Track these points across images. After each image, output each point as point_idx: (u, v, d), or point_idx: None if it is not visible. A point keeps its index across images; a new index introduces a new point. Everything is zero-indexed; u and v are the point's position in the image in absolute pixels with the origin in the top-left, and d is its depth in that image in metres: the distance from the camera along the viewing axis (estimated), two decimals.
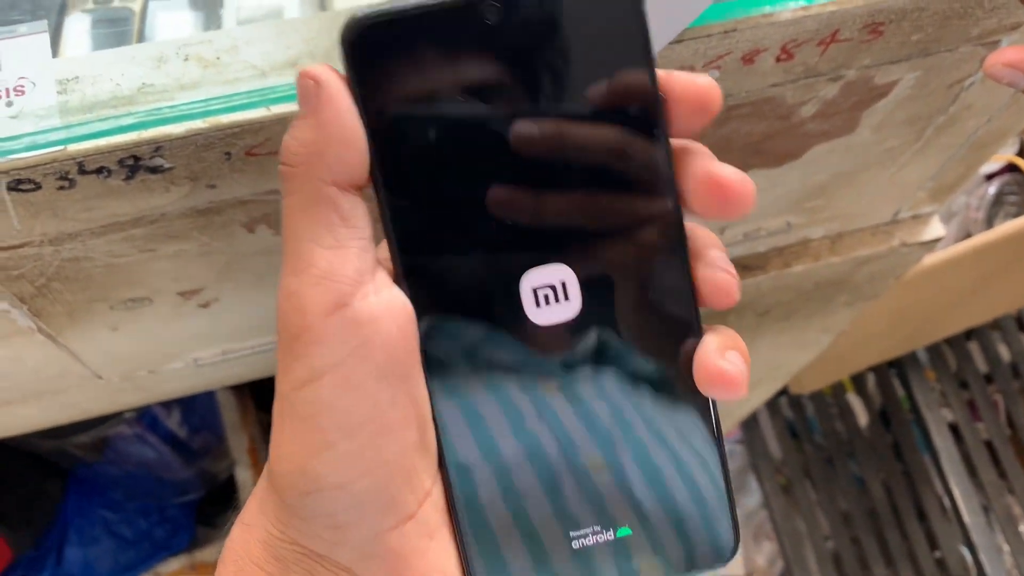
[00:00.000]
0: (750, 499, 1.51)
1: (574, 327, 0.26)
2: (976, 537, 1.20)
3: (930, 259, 0.94)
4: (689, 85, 0.24)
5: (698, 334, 0.26)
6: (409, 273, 0.25)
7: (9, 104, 0.32)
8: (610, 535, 0.26)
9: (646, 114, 0.24)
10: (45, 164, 0.31)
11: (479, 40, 0.23)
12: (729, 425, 1.19)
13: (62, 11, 0.38)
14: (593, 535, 0.26)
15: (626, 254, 0.25)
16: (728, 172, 0.25)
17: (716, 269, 0.25)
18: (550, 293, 0.25)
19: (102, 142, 0.31)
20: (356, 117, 0.23)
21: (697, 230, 0.26)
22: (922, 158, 0.54)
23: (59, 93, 0.32)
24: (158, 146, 0.32)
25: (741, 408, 1.06)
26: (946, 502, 1.27)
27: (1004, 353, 1.31)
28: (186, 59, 0.33)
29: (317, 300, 0.23)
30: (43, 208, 0.34)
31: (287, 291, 0.24)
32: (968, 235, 0.99)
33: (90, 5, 0.38)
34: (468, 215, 0.25)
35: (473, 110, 0.24)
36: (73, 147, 0.31)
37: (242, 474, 1.09)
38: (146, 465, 1.06)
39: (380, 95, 0.23)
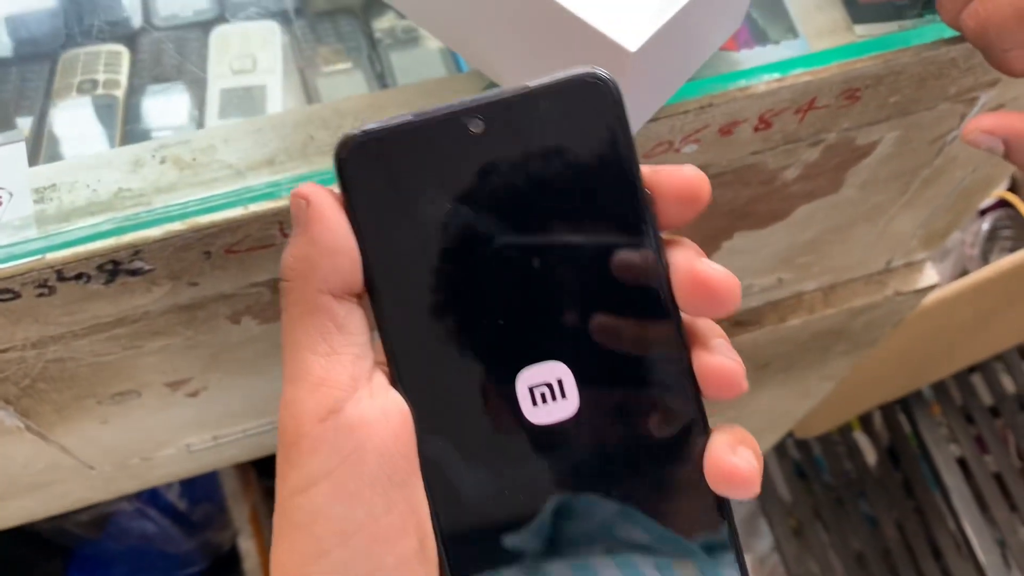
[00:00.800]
0: (761, 543, 1.49)
1: (572, 425, 0.25)
2: (991, 574, 1.18)
3: (928, 299, 0.94)
4: (675, 179, 0.24)
5: (705, 431, 0.25)
6: (402, 374, 0.25)
7: None
8: None
9: (634, 212, 0.24)
10: (23, 274, 0.31)
11: (465, 150, 0.24)
12: None
13: (47, 100, 0.38)
14: None
15: (622, 350, 0.25)
16: (712, 270, 0.24)
17: (720, 356, 0.25)
18: (546, 391, 0.25)
19: (80, 249, 0.31)
20: (347, 228, 0.24)
21: (699, 321, 0.26)
22: (910, 210, 0.54)
23: (36, 202, 0.32)
24: (137, 250, 0.32)
25: None
26: (959, 539, 1.25)
27: (1008, 385, 1.30)
28: (162, 161, 0.33)
29: (311, 407, 0.23)
30: (24, 315, 0.33)
31: (284, 400, 0.24)
32: (964, 272, 0.98)
33: (74, 94, 0.38)
34: (460, 319, 0.24)
35: (462, 218, 0.24)
36: (51, 256, 0.31)
37: (245, 543, 1.08)
38: (148, 540, 1.04)
39: (371, 207, 0.24)
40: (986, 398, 1.31)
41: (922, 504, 1.32)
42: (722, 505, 0.25)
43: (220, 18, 0.38)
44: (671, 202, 0.25)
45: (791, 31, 0.36)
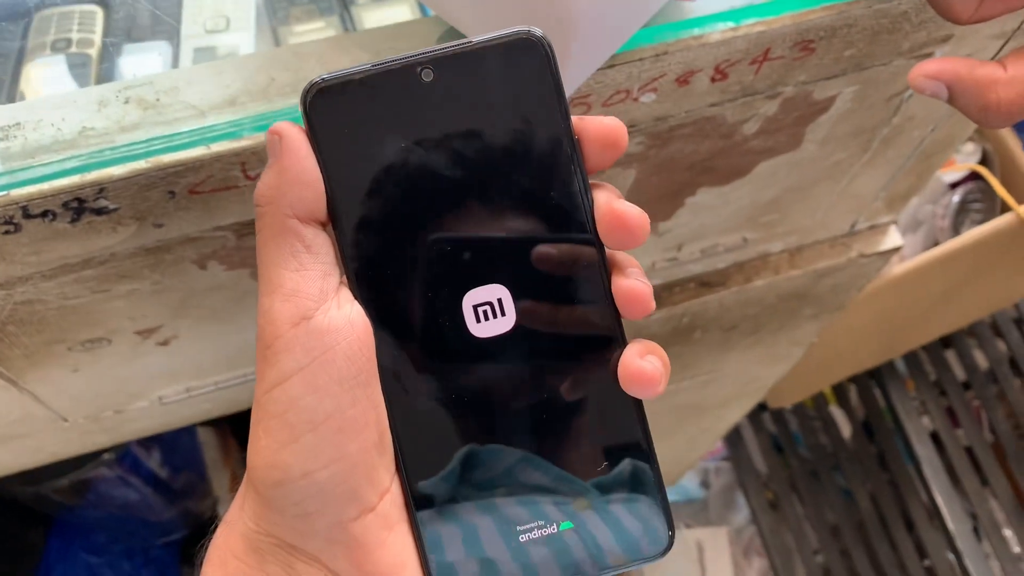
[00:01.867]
0: (738, 516, 1.51)
1: (510, 339, 0.28)
2: (961, 544, 1.20)
3: (899, 268, 0.95)
4: (599, 126, 0.28)
5: (622, 343, 0.29)
6: (363, 294, 0.28)
7: None
8: (553, 529, 0.29)
9: (565, 154, 0.28)
10: None
11: (417, 96, 0.27)
12: (712, 442, 1.20)
13: (20, 58, 0.39)
14: (538, 529, 0.29)
15: (554, 274, 0.28)
16: (628, 207, 0.28)
17: (633, 279, 0.28)
18: (488, 309, 0.28)
19: (45, 186, 0.32)
20: (313, 162, 0.27)
21: (618, 254, 0.29)
22: (871, 170, 0.55)
23: (1, 140, 0.32)
24: (101, 187, 0.33)
25: (720, 423, 1.07)
26: (932, 510, 1.28)
27: (981, 360, 1.32)
28: (126, 101, 0.34)
29: (285, 314, 0.26)
30: None
31: (261, 309, 0.27)
32: (936, 243, 1.00)
33: (48, 52, 0.39)
34: (412, 245, 0.28)
35: (413, 156, 0.27)
36: (16, 192, 0.32)
37: (225, 511, 1.08)
38: (128, 507, 1.05)
39: (334, 144, 0.27)
40: (959, 373, 1.33)
41: (896, 477, 1.35)
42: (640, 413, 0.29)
43: None
44: (595, 147, 0.28)
45: None
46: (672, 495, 1.54)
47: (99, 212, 0.34)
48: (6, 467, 0.56)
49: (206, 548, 0.30)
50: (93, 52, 0.39)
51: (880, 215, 0.63)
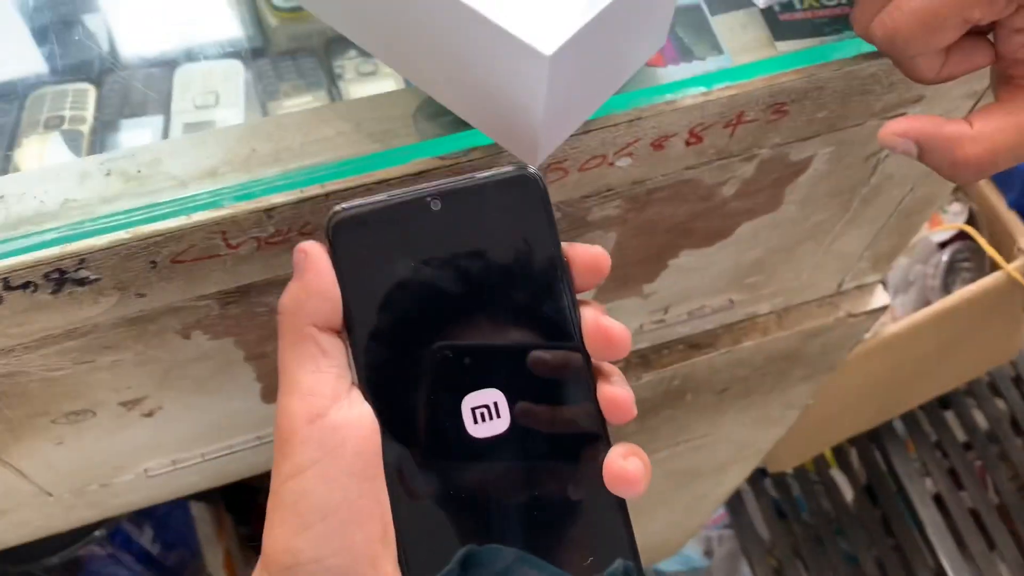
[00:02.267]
0: None
1: (505, 440, 0.31)
2: None
3: (891, 328, 0.96)
4: (585, 253, 0.31)
5: (607, 445, 0.31)
6: (372, 396, 0.30)
7: None
8: None
9: (555, 277, 0.31)
10: None
11: (426, 224, 0.30)
12: (712, 508, 1.18)
13: (14, 136, 0.39)
14: None
15: (545, 381, 0.31)
16: (611, 324, 0.31)
17: (615, 387, 0.31)
18: (485, 412, 0.31)
19: (27, 257, 0.32)
20: (333, 279, 0.30)
21: (603, 364, 0.32)
22: (854, 229, 0.55)
23: None
24: (82, 258, 0.33)
25: (719, 489, 1.06)
26: (939, 575, 1.25)
27: (980, 420, 1.31)
28: (108, 174, 0.34)
29: (302, 411, 0.29)
30: None
31: (280, 406, 0.30)
32: (927, 303, 1.00)
33: (41, 129, 0.40)
34: (417, 353, 0.31)
35: (421, 275, 0.30)
36: None
37: None
38: None
39: (352, 263, 0.30)
40: (959, 433, 1.32)
41: (901, 541, 1.33)
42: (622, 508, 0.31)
43: (185, 57, 0.40)
44: (581, 270, 0.31)
45: (716, 48, 0.38)
46: (675, 564, 1.51)
47: (81, 283, 0.34)
48: None
49: None
50: (85, 128, 0.40)
51: (866, 275, 0.64)
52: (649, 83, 0.37)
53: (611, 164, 0.39)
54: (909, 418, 1.30)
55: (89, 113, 0.40)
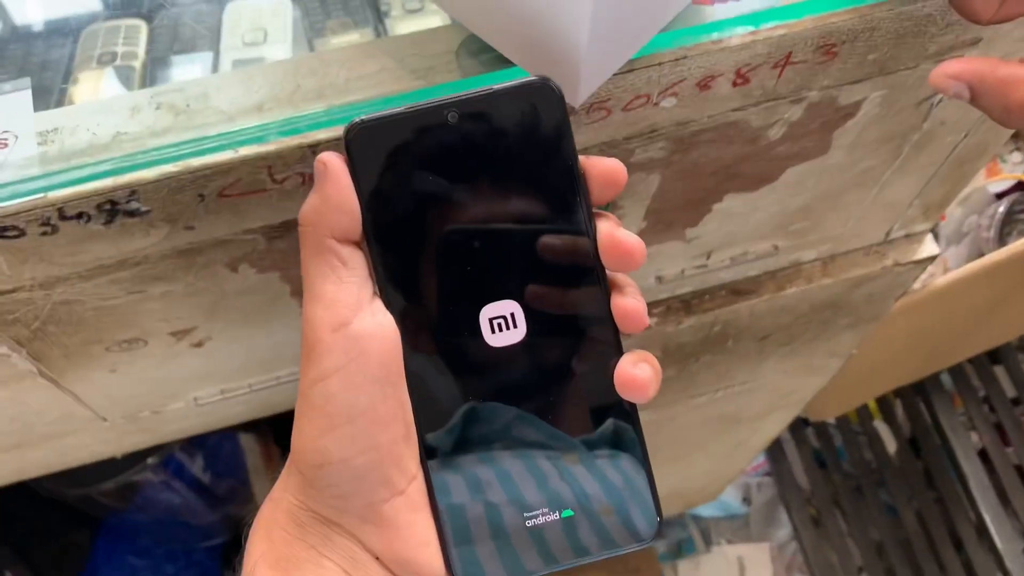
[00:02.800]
0: (781, 532, 1.49)
1: (521, 349, 0.32)
2: (1010, 563, 1.17)
3: (943, 280, 0.94)
4: (601, 165, 0.31)
5: (618, 352, 0.32)
6: (391, 305, 0.31)
7: None
8: (556, 516, 0.33)
9: (572, 187, 0.31)
10: (27, 211, 0.33)
11: (443, 135, 0.30)
12: (751, 456, 1.18)
13: (68, 71, 0.40)
14: (543, 516, 0.33)
15: (561, 291, 0.32)
16: (626, 235, 0.31)
17: (630, 298, 0.32)
18: (502, 322, 0.32)
19: (80, 188, 0.33)
20: (352, 191, 0.30)
21: (618, 275, 0.32)
22: (903, 177, 0.54)
23: (39, 144, 0.34)
24: (133, 190, 0.34)
25: (758, 436, 1.06)
26: (980, 529, 1.25)
27: None
28: (158, 107, 0.35)
29: (327, 320, 0.30)
30: (30, 254, 0.35)
31: (305, 316, 0.31)
32: (981, 254, 0.98)
33: (94, 65, 0.40)
34: (435, 263, 0.31)
35: (439, 186, 0.31)
36: (53, 194, 0.33)
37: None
38: (172, 511, 1.07)
39: (370, 175, 0.30)
40: (1008, 388, 1.30)
41: (943, 494, 1.32)
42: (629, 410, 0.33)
43: None
44: (598, 183, 0.31)
45: None
46: (713, 510, 1.52)
47: (132, 214, 0.35)
48: (49, 465, 0.58)
49: (250, 524, 0.33)
50: (137, 64, 0.40)
51: (916, 223, 0.62)
52: (695, 21, 0.37)
53: (656, 104, 0.39)
54: (957, 371, 1.28)
55: (141, 49, 0.41)
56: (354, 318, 0.30)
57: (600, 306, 0.32)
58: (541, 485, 0.33)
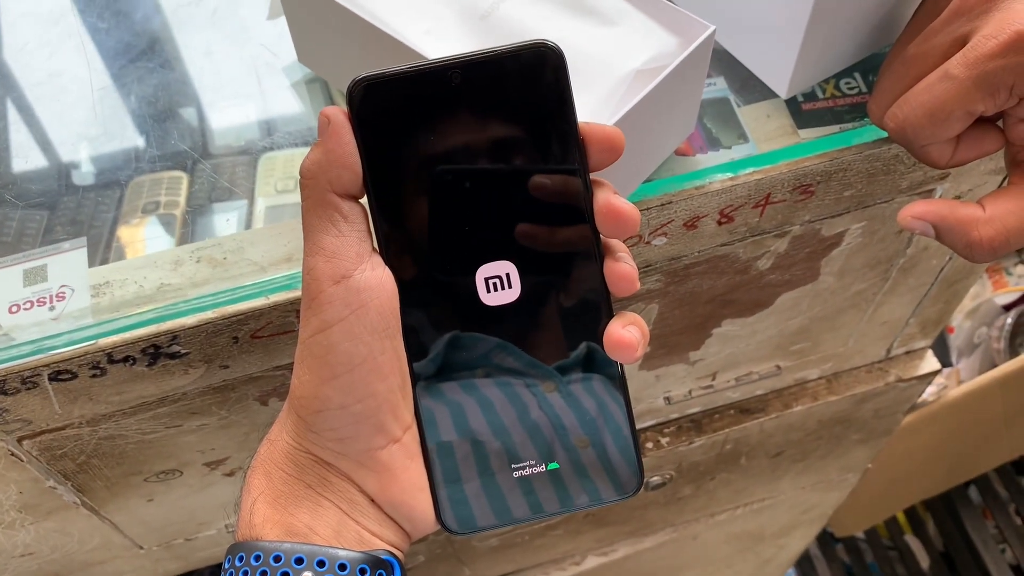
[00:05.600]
0: None
1: (515, 308, 0.33)
2: None
3: (956, 391, 0.95)
4: (600, 131, 0.31)
5: (609, 315, 0.33)
6: (392, 260, 0.32)
7: (52, 308, 0.38)
8: (542, 468, 0.34)
9: (571, 152, 0.31)
10: (80, 357, 0.37)
11: (445, 95, 0.30)
12: (780, 572, 1.17)
13: (115, 220, 0.44)
14: (530, 467, 0.34)
15: (556, 254, 0.32)
16: (622, 202, 0.32)
17: (622, 263, 0.32)
18: (498, 282, 0.32)
19: (127, 335, 0.37)
20: (354, 146, 0.30)
21: (611, 240, 0.33)
22: (895, 297, 0.57)
23: (93, 297, 0.38)
24: (174, 335, 0.37)
25: (783, 553, 1.05)
26: None
27: None
28: (198, 261, 0.39)
29: (328, 272, 0.30)
30: (80, 394, 0.39)
31: (306, 267, 0.31)
32: (993, 365, 0.99)
33: (139, 214, 0.45)
34: (434, 222, 0.32)
35: (440, 146, 0.31)
36: (103, 341, 0.37)
37: None
38: None
39: (373, 131, 0.31)
40: None
41: None
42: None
43: (267, 147, 0.44)
44: (597, 148, 0.31)
45: (742, 137, 0.42)
46: None
47: (173, 356, 0.39)
48: None
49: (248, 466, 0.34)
50: (178, 213, 0.45)
51: (915, 340, 0.65)
52: (680, 170, 0.41)
53: (647, 243, 0.42)
54: (983, 483, 1.27)
55: (182, 198, 0.45)
56: (355, 271, 0.30)
57: (593, 269, 0.32)
58: (530, 438, 0.34)
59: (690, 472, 0.69)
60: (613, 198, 0.32)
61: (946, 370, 0.98)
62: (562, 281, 0.33)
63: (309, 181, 0.31)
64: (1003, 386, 0.95)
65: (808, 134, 0.42)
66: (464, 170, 0.31)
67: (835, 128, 0.42)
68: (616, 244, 0.33)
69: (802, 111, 0.42)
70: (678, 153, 0.41)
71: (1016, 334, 0.99)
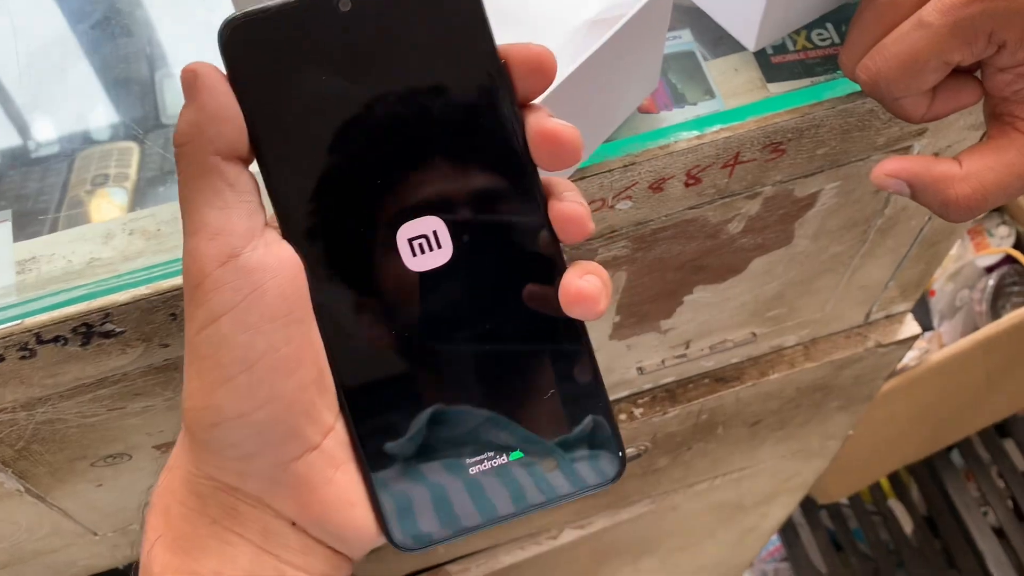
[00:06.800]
0: None
1: (448, 271, 0.28)
2: None
3: (938, 355, 0.94)
4: (524, 50, 0.27)
5: (562, 267, 0.28)
6: (293, 232, 0.27)
7: None
8: (503, 459, 0.29)
9: (490, 78, 0.27)
10: (5, 338, 0.34)
11: (335, 26, 0.26)
12: (761, 541, 1.17)
13: (63, 193, 0.42)
14: (488, 460, 0.29)
15: (489, 202, 0.28)
16: (558, 123, 0.27)
17: (569, 202, 0.28)
18: (423, 242, 0.28)
19: (55, 313, 0.35)
20: (231, 97, 0.26)
21: (554, 179, 0.28)
22: (873, 260, 0.55)
23: (18, 273, 0.36)
24: (107, 313, 0.35)
25: (766, 521, 1.04)
26: None
27: None
28: (131, 233, 0.37)
29: (211, 253, 0.26)
30: (10, 377, 0.37)
31: (186, 250, 0.26)
32: (975, 328, 0.98)
33: (88, 187, 0.42)
34: (339, 180, 0.27)
35: (336, 87, 0.26)
36: (30, 320, 0.34)
37: None
38: None
39: (253, 79, 0.26)
40: (1019, 462, 1.28)
41: (963, 573, 1.29)
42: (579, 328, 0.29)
43: None
44: (522, 71, 0.27)
45: (708, 92, 0.39)
46: None
47: (107, 335, 0.36)
48: None
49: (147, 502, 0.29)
50: (129, 185, 0.42)
51: (895, 304, 0.63)
52: (643, 128, 0.39)
53: (611, 207, 0.40)
54: (966, 447, 1.27)
55: (132, 170, 0.43)
56: (245, 248, 0.26)
57: (536, 214, 0.28)
58: (483, 426, 0.29)
59: (666, 443, 0.67)
60: (547, 121, 0.27)
61: (928, 334, 0.97)
62: (500, 232, 0.28)
63: (185, 147, 0.26)
64: (985, 349, 0.94)
65: (777, 88, 0.40)
66: (368, 115, 0.26)
67: (806, 82, 0.40)
68: (560, 182, 0.28)
69: (772, 64, 0.40)
70: (641, 111, 0.39)
71: (998, 296, 0.98)
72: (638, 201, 0.41)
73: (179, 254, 0.36)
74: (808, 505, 1.40)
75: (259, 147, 0.26)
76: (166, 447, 0.47)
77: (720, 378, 0.62)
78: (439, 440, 0.29)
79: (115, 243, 0.36)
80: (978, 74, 0.36)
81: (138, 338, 0.37)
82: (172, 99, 0.42)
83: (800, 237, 0.49)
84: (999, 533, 1.23)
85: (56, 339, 0.36)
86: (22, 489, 0.45)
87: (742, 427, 0.70)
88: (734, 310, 0.55)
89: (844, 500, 1.37)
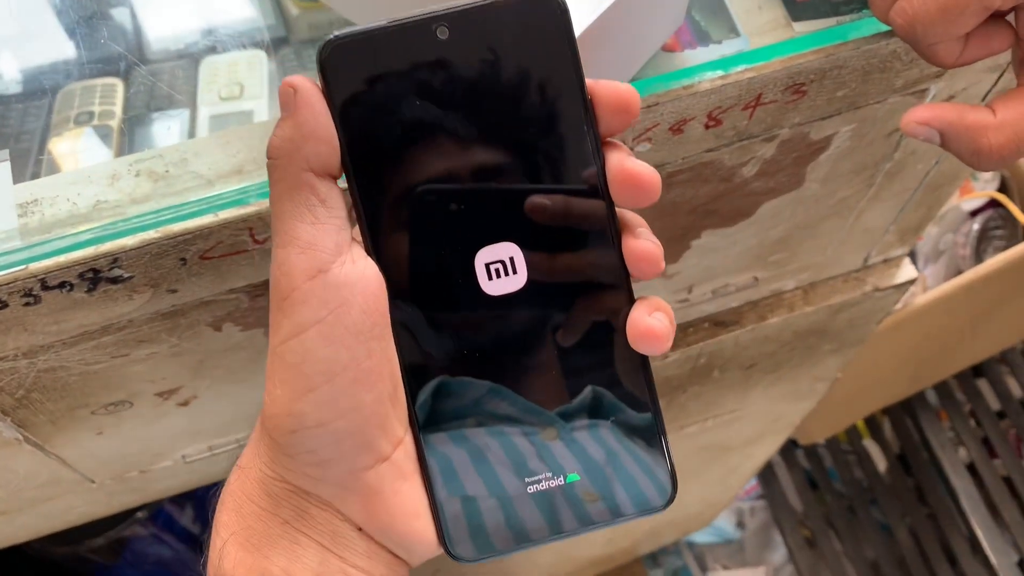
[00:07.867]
0: (775, 555, 1.48)
1: (522, 297, 0.29)
2: None
3: (923, 298, 0.95)
4: (612, 90, 0.28)
5: (631, 301, 0.29)
6: (376, 250, 0.28)
7: None
8: (560, 481, 0.30)
9: (577, 113, 0.28)
10: (8, 283, 0.33)
11: (432, 53, 0.27)
12: (743, 481, 1.19)
13: (45, 133, 0.40)
14: (546, 480, 0.30)
15: (566, 233, 0.29)
16: (639, 165, 0.28)
17: (641, 240, 0.29)
18: (500, 267, 0.28)
19: (61, 259, 0.33)
20: (328, 117, 0.27)
21: (627, 213, 0.29)
22: (879, 204, 0.55)
23: (20, 216, 0.34)
24: (115, 258, 0.34)
25: (750, 462, 1.06)
26: (973, 543, 1.25)
27: (1015, 388, 1.30)
28: (137, 175, 0.35)
29: (302, 267, 0.27)
30: (12, 324, 0.35)
31: (276, 261, 0.27)
32: (958, 272, 0.99)
33: (71, 126, 0.41)
34: (425, 202, 0.28)
35: (428, 112, 0.27)
36: (34, 265, 0.33)
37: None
38: (164, 564, 1.06)
39: (349, 100, 0.27)
40: (992, 402, 1.31)
41: (935, 510, 1.32)
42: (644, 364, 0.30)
43: (209, 49, 0.40)
44: (608, 110, 0.28)
45: (732, 31, 0.38)
46: (707, 536, 1.52)
47: (114, 281, 0.35)
48: (39, 529, 0.57)
49: (219, 495, 0.31)
50: (114, 123, 0.41)
51: (893, 248, 0.63)
52: (666, 68, 0.37)
53: (631, 151, 0.39)
54: (942, 387, 1.29)
55: (118, 108, 0.41)
56: (334, 264, 0.27)
57: (611, 249, 0.28)
58: (544, 447, 0.30)
59: (663, 387, 0.67)
60: (628, 162, 0.28)
61: None
62: (575, 263, 0.29)
63: (280, 161, 0.27)
64: (968, 292, 0.95)
65: (803, 27, 0.39)
66: (457, 140, 0.27)
67: (832, 21, 0.39)
68: (634, 219, 0.29)
69: (796, 2, 0.39)
70: (665, 49, 0.38)
71: (982, 240, 0.99)
72: (657, 144, 0.40)
73: (187, 197, 0.35)
74: (785, 445, 1.43)
75: (349, 165, 0.27)
76: (167, 394, 0.46)
77: (720, 322, 0.62)
78: (501, 458, 0.30)
79: (121, 185, 0.35)
80: (1010, 19, 0.35)
81: (146, 284, 0.36)
82: (153, 30, 0.40)
83: (810, 181, 0.49)
84: (971, 469, 1.26)
85: (62, 285, 0.34)
86: (21, 438, 0.44)
87: (737, 371, 0.70)
88: (739, 255, 0.54)
89: (821, 441, 1.39)
